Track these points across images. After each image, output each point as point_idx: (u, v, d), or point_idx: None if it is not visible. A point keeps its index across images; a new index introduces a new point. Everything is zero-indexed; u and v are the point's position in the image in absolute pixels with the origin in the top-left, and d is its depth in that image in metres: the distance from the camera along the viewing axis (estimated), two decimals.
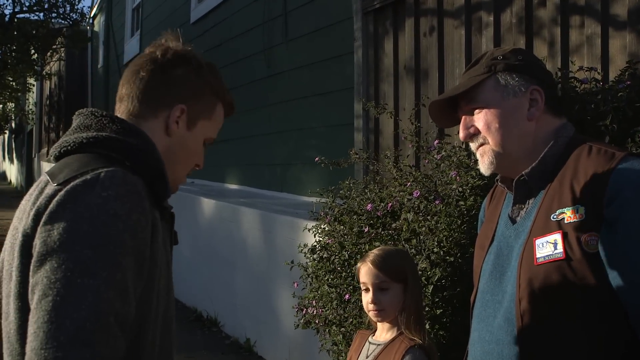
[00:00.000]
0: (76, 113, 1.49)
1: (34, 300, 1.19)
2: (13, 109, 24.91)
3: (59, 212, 1.24)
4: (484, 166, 1.73)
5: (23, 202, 1.38)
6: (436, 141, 2.97)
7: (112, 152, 1.36)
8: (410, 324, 2.10)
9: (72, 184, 1.27)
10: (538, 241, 1.57)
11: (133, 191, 1.29)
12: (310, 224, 3.52)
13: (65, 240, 1.20)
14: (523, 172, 1.67)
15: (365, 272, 2.16)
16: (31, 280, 1.22)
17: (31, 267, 1.23)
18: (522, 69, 1.70)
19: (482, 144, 1.72)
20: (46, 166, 19.98)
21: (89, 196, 1.24)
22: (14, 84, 16.23)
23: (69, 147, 1.40)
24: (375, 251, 2.19)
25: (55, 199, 1.26)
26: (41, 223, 1.25)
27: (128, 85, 1.49)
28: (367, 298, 2.16)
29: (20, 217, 1.34)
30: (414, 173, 2.94)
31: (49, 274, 1.18)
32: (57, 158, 1.43)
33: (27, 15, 12.59)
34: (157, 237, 1.36)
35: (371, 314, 2.18)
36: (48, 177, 1.35)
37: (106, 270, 1.20)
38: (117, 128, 1.40)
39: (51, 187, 1.30)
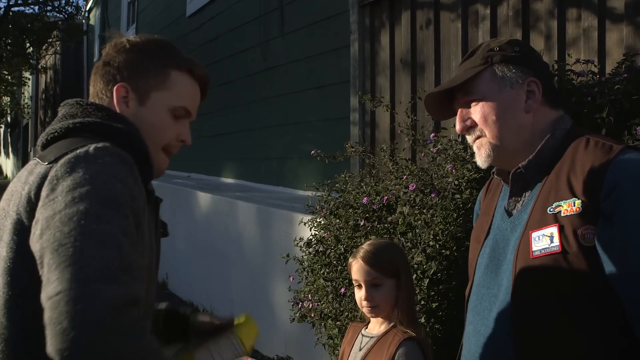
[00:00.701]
0: (62, 104, 1.53)
1: (45, 258, 1.17)
2: (9, 103, 24.83)
3: (57, 183, 1.25)
4: (481, 159, 1.71)
5: (11, 185, 1.40)
6: (432, 134, 2.96)
7: (98, 135, 1.39)
8: (404, 317, 2.09)
9: (64, 158, 1.30)
10: (534, 234, 1.56)
11: (125, 161, 1.32)
12: (306, 217, 3.51)
13: (71, 200, 1.21)
14: (520, 165, 1.65)
15: (357, 269, 2.14)
16: (35, 247, 1.22)
17: (32, 238, 1.23)
18: (519, 60, 1.68)
19: (478, 137, 1.70)
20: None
21: (84, 164, 1.27)
22: (9, 77, 16.17)
23: (56, 134, 1.43)
24: (365, 246, 2.16)
25: (50, 174, 1.28)
26: (41, 197, 1.26)
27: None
28: (360, 294, 2.15)
29: (9, 198, 1.36)
30: (409, 166, 2.93)
31: (60, 228, 1.17)
32: (44, 146, 1.45)
33: (22, 8, 12.55)
34: (145, 216, 1.38)
35: (365, 310, 2.17)
36: (38, 159, 1.37)
37: (118, 219, 1.21)
38: (102, 115, 1.45)
39: (42, 166, 1.32)
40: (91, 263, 1.14)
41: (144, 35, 1.59)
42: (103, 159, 1.28)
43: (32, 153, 22.95)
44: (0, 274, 1.30)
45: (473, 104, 1.70)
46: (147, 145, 1.44)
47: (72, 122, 1.42)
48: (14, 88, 18.93)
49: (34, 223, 1.25)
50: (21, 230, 1.29)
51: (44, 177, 1.29)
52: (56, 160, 1.31)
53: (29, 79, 22.18)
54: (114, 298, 1.12)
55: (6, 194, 1.39)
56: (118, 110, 1.50)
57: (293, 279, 3.39)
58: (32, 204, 1.28)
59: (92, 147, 1.30)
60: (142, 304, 1.19)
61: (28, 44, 13.10)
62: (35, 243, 1.22)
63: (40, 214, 1.24)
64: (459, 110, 1.73)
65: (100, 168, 1.27)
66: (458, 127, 1.74)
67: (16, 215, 1.30)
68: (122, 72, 1.52)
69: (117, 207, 1.23)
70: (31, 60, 14.82)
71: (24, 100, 25.10)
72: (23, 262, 1.27)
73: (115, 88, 1.51)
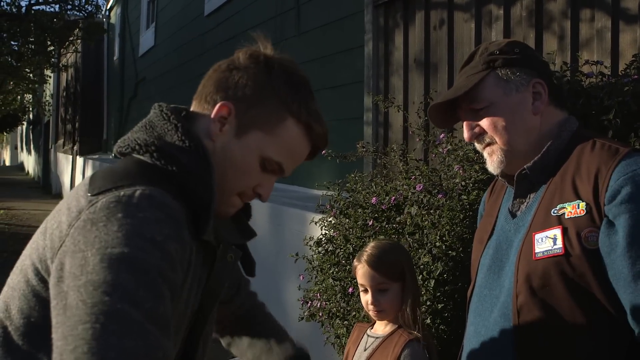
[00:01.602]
0: (154, 105, 1.34)
1: (61, 326, 1.03)
2: (31, 101, 25.10)
3: (89, 228, 1.10)
4: (493, 165, 1.70)
5: (65, 198, 1.26)
6: (442, 135, 2.95)
7: (161, 163, 1.22)
8: (409, 319, 2.09)
9: (104, 199, 1.13)
10: (537, 236, 1.56)
11: (171, 216, 1.14)
12: (317, 216, 3.51)
13: (100, 261, 1.05)
14: (525, 166, 1.65)
15: (362, 273, 2.12)
16: (54, 295, 1.09)
17: (54, 281, 1.10)
18: (522, 62, 1.67)
19: (489, 144, 1.69)
20: (62, 157, 20.12)
21: (123, 215, 1.10)
22: (31, 75, 16.34)
23: (125, 148, 1.28)
24: (370, 250, 2.13)
25: (87, 211, 1.13)
26: (69, 238, 1.12)
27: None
28: (366, 298, 2.13)
29: (53, 216, 1.22)
30: (420, 167, 2.93)
31: (84, 298, 1.02)
32: (119, 155, 1.32)
33: (43, 7, 12.67)
34: (188, 274, 1.21)
35: (371, 314, 2.15)
36: (88, 181, 1.22)
37: (149, 301, 1.04)
38: (177, 138, 1.24)
39: (86, 198, 1.17)
40: (110, 354, 0.98)
41: (285, 57, 1.36)
42: (145, 212, 1.10)
43: (52, 150, 23.18)
44: (22, 295, 1.20)
45: (480, 111, 1.68)
46: (215, 193, 1.22)
47: (142, 138, 1.25)
48: (36, 86, 19.12)
49: (57, 262, 1.12)
50: (44, 260, 1.17)
51: (79, 212, 1.14)
52: (98, 195, 1.15)
53: (50, 77, 22.42)
54: None
55: (57, 206, 1.26)
56: (210, 129, 1.29)
57: (303, 277, 3.40)
58: (62, 236, 1.14)
59: (137, 193, 1.13)
60: None
61: (49, 42, 13.23)
62: (57, 296, 1.09)
63: (68, 260, 1.09)
64: (466, 118, 1.71)
65: (138, 226, 1.09)
66: (466, 135, 1.71)
67: (46, 241, 1.18)
68: (239, 89, 1.30)
69: (150, 282, 1.06)
70: (52, 59, 14.96)
71: (45, 98, 25.37)
72: (42, 296, 1.17)
73: (217, 106, 1.29)
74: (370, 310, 2.13)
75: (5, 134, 34.46)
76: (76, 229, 1.11)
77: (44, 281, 1.16)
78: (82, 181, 1.26)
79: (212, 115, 1.28)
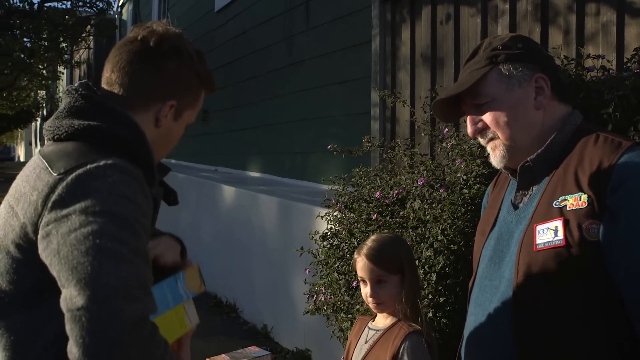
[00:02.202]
0: (67, 90, 1.50)
1: (63, 273, 1.23)
2: (44, 97, 25.25)
3: (69, 199, 1.28)
4: (496, 160, 1.71)
5: (18, 182, 1.42)
6: (446, 129, 2.96)
7: (105, 142, 1.40)
8: (409, 312, 2.10)
9: (75, 173, 1.32)
10: (539, 227, 1.56)
11: (134, 176, 1.35)
12: (323, 211, 3.53)
13: (85, 219, 1.25)
14: (528, 159, 1.66)
15: (361, 266, 2.15)
16: (48, 260, 1.27)
17: (44, 250, 1.28)
18: (524, 57, 1.67)
19: (491, 139, 1.70)
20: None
21: (95, 182, 1.30)
22: (44, 72, 16.44)
23: (62, 133, 1.43)
24: (369, 243, 2.16)
25: (61, 187, 1.31)
26: (50, 210, 1.29)
27: (119, 72, 1.51)
28: (365, 291, 2.16)
29: (18, 198, 1.38)
30: (425, 161, 2.94)
31: (77, 247, 1.23)
32: (51, 139, 1.46)
33: (54, 4, 12.74)
34: (153, 222, 1.45)
35: (371, 306, 2.18)
36: (46, 164, 1.38)
37: (131, 239, 1.27)
38: (109, 118, 1.43)
39: (52, 177, 1.34)
40: (110, 281, 1.19)
41: (188, 41, 1.57)
42: (113, 176, 1.31)
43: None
44: (8, 268, 1.36)
45: (483, 106, 1.69)
46: (152, 154, 1.46)
47: (78, 124, 1.42)
48: (49, 82, 19.22)
49: (42, 235, 1.29)
50: (26, 235, 1.33)
51: (52, 188, 1.32)
52: (66, 173, 1.32)
53: (62, 73, 22.53)
54: (133, 316, 1.19)
55: (13, 191, 1.42)
56: (154, 120, 1.52)
57: (309, 271, 3.42)
58: (37, 213, 1.32)
59: (102, 164, 1.33)
60: (153, 311, 1.27)
61: (61, 39, 13.30)
62: (49, 257, 1.27)
63: (54, 228, 1.27)
64: (469, 113, 1.73)
65: (111, 187, 1.30)
66: (470, 130, 1.73)
67: (23, 219, 1.34)
68: (172, 85, 1.52)
69: (129, 227, 1.28)
70: (65, 55, 15.04)
71: (58, 94, 25.51)
72: (28, 264, 1.34)
73: (165, 105, 1.52)
74: (369, 302, 2.16)
75: (19, 130, 34.68)
76: (54, 203, 1.30)
77: (29, 252, 1.33)
78: (33, 164, 1.43)
79: (161, 112, 1.52)
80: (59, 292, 1.25)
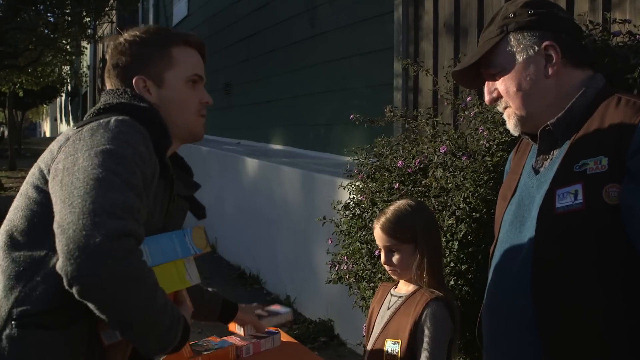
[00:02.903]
0: (103, 92, 1.75)
1: (61, 197, 1.40)
2: (68, 72, 25.40)
3: (79, 142, 1.49)
4: (511, 127, 1.74)
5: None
6: (469, 98, 2.94)
7: (124, 113, 1.60)
8: (429, 279, 2.12)
9: (88, 125, 1.54)
10: (559, 191, 1.56)
11: (140, 131, 1.54)
12: (346, 181, 3.54)
13: (88, 155, 1.43)
14: (548, 122, 1.65)
15: (376, 234, 2.21)
16: (54, 189, 1.45)
17: (53, 181, 1.47)
18: (534, 24, 1.66)
19: (506, 107, 1.72)
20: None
21: (102, 130, 1.49)
22: (68, 47, 16.49)
23: (93, 113, 1.66)
24: (387, 213, 2.19)
25: (74, 135, 1.52)
26: (62, 151, 1.50)
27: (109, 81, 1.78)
28: (382, 258, 2.22)
29: (44, 155, 1.60)
30: (448, 131, 2.92)
31: (77, 176, 1.40)
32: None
33: None
34: (154, 179, 1.58)
35: (389, 272, 2.23)
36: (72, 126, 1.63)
37: (125, 173, 1.43)
38: (128, 96, 1.67)
39: (71, 131, 1.57)
40: (98, 200, 1.36)
41: (135, 29, 1.78)
42: (120, 127, 1.50)
43: None
44: (24, 207, 1.55)
45: (496, 75, 1.71)
46: (166, 122, 1.65)
47: (103, 104, 1.66)
48: (73, 57, 19.31)
49: (52, 170, 1.49)
50: (42, 177, 1.53)
51: (68, 137, 1.54)
52: (83, 126, 1.55)
53: (86, 48, 22.61)
54: (114, 229, 1.34)
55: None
56: (143, 96, 1.69)
57: (331, 241, 3.43)
58: (52, 157, 1.54)
59: (112, 119, 1.53)
60: (140, 239, 1.41)
61: (85, 13, 13.33)
62: (54, 188, 1.45)
63: (61, 163, 1.47)
64: (486, 81, 1.75)
65: (116, 134, 1.48)
66: (486, 98, 1.76)
67: (41, 165, 1.56)
68: (132, 67, 1.72)
69: (126, 164, 1.44)
70: (88, 30, 15.07)
71: (82, 69, 25.65)
72: (40, 203, 1.52)
73: (133, 82, 1.71)
74: (386, 269, 2.21)
75: (44, 105, 35.00)
76: (66, 146, 1.51)
77: (41, 190, 1.52)
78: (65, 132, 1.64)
79: (138, 91, 1.71)
80: None
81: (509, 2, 1.75)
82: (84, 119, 1.66)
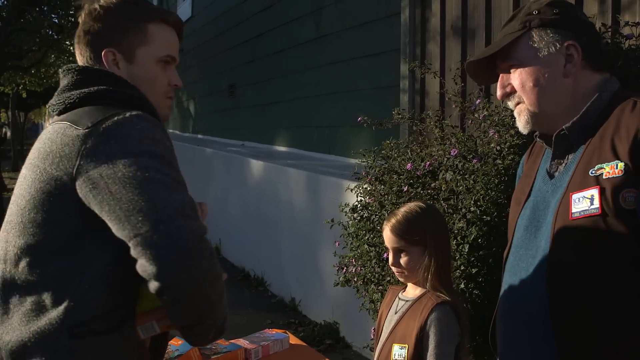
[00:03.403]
0: (65, 69, 1.63)
1: (118, 206, 1.34)
2: None
3: (103, 147, 1.40)
4: (521, 125, 1.72)
5: (39, 145, 1.52)
6: (478, 100, 2.92)
7: (116, 102, 1.52)
8: (435, 283, 2.11)
9: (104, 124, 1.43)
10: (575, 196, 1.55)
11: (157, 124, 1.49)
12: (353, 184, 3.53)
13: (126, 159, 1.37)
14: (564, 127, 1.64)
15: (385, 236, 2.20)
16: (95, 200, 1.38)
17: (90, 193, 1.39)
18: (558, 23, 1.65)
19: (518, 103, 1.70)
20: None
21: (125, 129, 1.42)
22: (71, 48, 16.50)
23: (75, 101, 1.55)
24: (398, 214, 2.19)
25: (93, 137, 1.42)
26: (86, 161, 1.40)
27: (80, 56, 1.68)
28: (390, 259, 2.21)
29: (44, 158, 1.47)
30: (456, 133, 2.91)
31: (129, 182, 1.35)
32: (61, 112, 1.57)
33: None
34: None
35: (396, 274, 2.22)
36: (68, 123, 1.47)
37: (172, 172, 1.41)
38: (111, 81, 1.57)
39: (80, 131, 1.44)
40: (169, 204, 1.33)
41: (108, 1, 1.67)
42: (140, 124, 1.44)
43: None
44: (46, 220, 1.45)
45: (512, 70, 1.69)
46: (153, 105, 1.58)
47: (87, 90, 1.54)
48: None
49: (84, 182, 1.40)
50: (63, 186, 1.43)
51: (84, 140, 1.42)
52: (95, 126, 1.43)
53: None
54: (196, 230, 1.34)
55: (36, 154, 1.51)
56: (114, 70, 1.61)
57: (339, 244, 3.42)
58: (72, 164, 1.42)
59: (128, 114, 1.45)
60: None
61: None
62: (98, 199, 1.38)
63: (95, 172, 1.38)
64: (500, 75, 1.74)
65: (142, 132, 1.42)
66: (499, 93, 1.74)
67: (57, 172, 1.44)
68: (105, 37, 1.62)
69: (167, 163, 1.41)
70: None
71: None
72: (67, 212, 1.44)
73: (103, 54, 1.62)
74: (394, 270, 2.20)
75: (47, 106, 34.96)
76: (89, 152, 1.40)
77: (68, 200, 1.42)
78: (51, 129, 1.52)
79: (106, 65, 1.61)
80: (100, 234, 1.39)
81: (533, 1, 1.75)
82: (62, 104, 1.57)
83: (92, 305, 1.42)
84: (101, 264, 1.41)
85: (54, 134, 1.49)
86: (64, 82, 1.61)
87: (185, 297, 1.33)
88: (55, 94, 1.61)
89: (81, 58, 1.66)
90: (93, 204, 1.39)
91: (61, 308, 1.41)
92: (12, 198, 1.52)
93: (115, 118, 1.44)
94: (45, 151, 1.47)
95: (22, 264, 1.45)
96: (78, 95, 1.54)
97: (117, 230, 1.35)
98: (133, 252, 1.32)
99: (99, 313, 1.42)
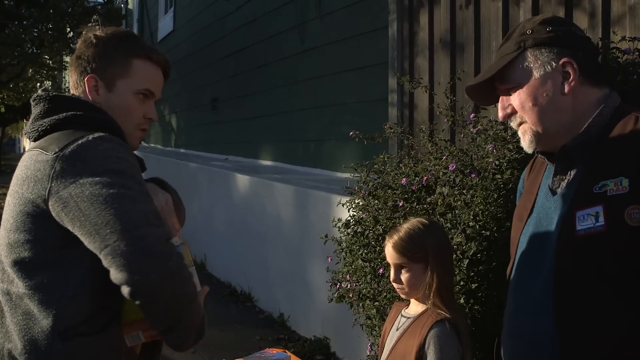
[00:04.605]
0: (35, 97, 1.75)
1: (87, 221, 1.46)
2: (50, 88, 25.21)
3: (71, 169, 1.52)
4: (525, 144, 1.72)
5: (19, 171, 1.64)
6: (472, 115, 2.93)
7: (86, 126, 1.64)
8: (436, 300, 2.10)
9: (69, 148, 1.55)
10: (579, 213, 1.54)
11: (120, 143, 1.60)
12: (345, 198, 3.51)
13: (92, 179, 1.49)
14: (565, 143, 1.64)
15: (387, 252, 2.19)
16: (66, 217, 1.50)
17: (61, 211, 1.51)
18: (552, 41, 1.65)
19: (521, 123, 1.70)
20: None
21: (90, 151, 1.54)
22: (50, 62, 16.40)
23: (47, 128, 1.67)
24: (400, 231, 2.18)
25: (60, 161, 1.53)
26: (55, 183, 1.52)
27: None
28: (391, 275, 2.20)
29: (21, 183, 1.60)
30: (449, 147, 2.91)
31: (95, 199, 1.46)
32: (36, 139, 1.69)
33: None
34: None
35: (397, 291, 2.21)
36: (40, 150, 1.59)
37: (136, 185, 1.52)
38: (82, 107, 1.69)
39: (49, 156, 1.56)
40: (133, 214, 1.45)
41: (109, 29, 1.80)
42: (103, 145, 1.55)
43: None
44: (27, 240, 1.58)
45: (511, 91, 1.69)
46: (122, 130, 1.69)
47: (57, 117, 1.66)
48: (55, 72, 19.18)
49: (55, 202, 1.52)
50: (38, 207, 1.56)
51: (52, 164, 1.54)
52: (61, 150, 1.55)
53: (69, 63, 22.45)
54: (159, 236, 1.45)
55: (15, 180, 1.65)
56: (90, 98, 1.74)
57: (331, 259, 3.40)
58: (44, 186, 1.54)
59: (91, 137, 1.56)
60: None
61: (68, 29, 13.26)
62: (69, 217, 1.50)
63: (65, 192, 1.50)
64: (500, 97, 1.74)
65: (105, 152, 1.54)
66: (500, 114, 1.74)
67: (32, 195, 1.56)
68: (92, 64, 1.75)
69: (131, 177, 1.53)
70: (72, 45, 15.00)
71: (64, 85, 25.46)
72: (45, 230, 1.56)
73: (86, 79, 1.74)
74: (395, 287, 2.20)
75: (25, 121, 34.67)
76: (57, 174, 1.52)
77: (44, 220, 1.55)
78: (28, 156, 1.64)
79: (87, 89, 1.74)
80: (77, 246, 1.50)
81: (526, 20, 1.75)
82: (36, 131, 1.68)
83: (77, 310, 1.55)
84: (81, 272, 1.54)
85: (29, 160, 1.61)
86: (36, 110, 1.72)
87: (158, 298, 1.44)
88: (29, 122, 1.74)
89: (70, 80, 1.80)
90: (65, 221, 1.51)
91: (50, 316, 1.54)
92: (2, 222, 1.66)
93: (80, 141, 1.55)
94: (22, 177, 1.61)
95: (14, 278, 1.59)
96: (49, 123, 1.66)
97: (89, 243, 1.47)
98: (104, 263, 1.44)
99: (85, 316, 1.56)
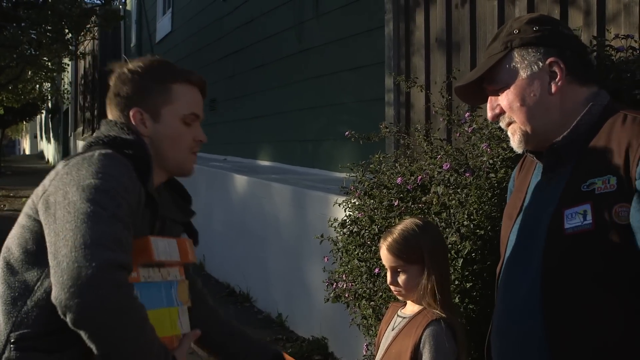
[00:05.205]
0: (102, 121, 1.81)
1: (54, 230, 1.48)
2: (49, 89, 25.24)
3: (66, 177, 1.55)
4: (515, 144, 1.72)
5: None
6: (467, 114, 2.93)
7: (108, 145, 1.67)
8: (431, 300, 2.09)
9: (73, 159, 1.61)
10: (567, 211, 1.54)
11: (122, 163, 1.60)
12: (341, 198, 3.50)
13: (76, 189, 1.51)
14: (554, 141, 1.64)
15: (382, 254, 2.18)
16: (47, 221, 1.52)
17: (44, 214, 1.54)
18: (539, 41, 1.65)
19: (509, 123, 1.70)
20: (82, 145, 20.22)
21: (87, 163, 1.56)
22: (49, 64, 16.40)
23: (84, 148, 1.71)
24: (394, 233, 2.16)
25: (62, 169, 1.59)
26: (52, 185, 1.57)
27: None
28: (388, 278, 2.19)
29: (37, 190, 1.67)
30: (444, 147, 2.91)
31: (68, 210, 1.48)
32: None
33: None
34: (139, 207, 1.63)
35: (394, 292, 2.21)
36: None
37: (112, 206, 1.50)
38: (117, 129, 1.72)
39: (60, 165, 1.63)
40: (88, 233, 1.44)
41: (140, 60, 1.82)
42: (102, 161, 1.57)
43: (72, 138, 23.34)
44: (19, 235, 1.63)
45: (499, 91, 1.69)
46: (150, 155, 1.69)
47: (95, 137, 1.72)
48: (54, 74, 19.19)
49: (42, 201, 1.57)
50: (34, 207, 1.61)
51: (57, 172, 1.61)
52: (69, 160, 1.62)
53: (68, 65, 22.48)
54: (105, 261, 1.41)
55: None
56: (139, 130, 1.73)
57: (327, 259, 3.40)
58: (44, 189, 1.60)
59: (96, 152, 1.60)
60: (130, 270, 1.49)
61: (67, 30, 13.26)
62: (48, 217, 1.53)
63: (52, 197, 1.54)
64: (489, 97, 1.74)
65: (100, 168, 1.54)
66: (489, 114, 1.75)
67: (34, 197, 1.63)
68: (132, 98, 1.75)
69: (111, 197, 1.51)
70: (70, 47, 15.00)
71: (63, 86, 25.48)
72: (32, 231, 1.60)
73: (131, 114, 1.74)
74: (392, 289, 2.19)
75: (24, 123, 34.68)
76: (55, 180, 1.58)
77: (34, 219, 1.59)
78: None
79: (135, 123, 1.74)
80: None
81: (514, 19, 1.75)
82: (82, 147, 1.73)
83: (36, 322, 1.53)
84: (48, 284, 1.51)
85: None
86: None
87: (85, 324, 1.40)
88: None
89: (110, 116, 1.80)
90: (44, 224, 1.54)
91: (10, 321, 1.55)
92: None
93: (85, 154, 1.60)
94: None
95: (0, 276, 1.62)
96: (88, 143, 1.72)
97: (49, 252, 1.48)
98: (51, 272, 1.45)
99: (41, 331, 1.53)
